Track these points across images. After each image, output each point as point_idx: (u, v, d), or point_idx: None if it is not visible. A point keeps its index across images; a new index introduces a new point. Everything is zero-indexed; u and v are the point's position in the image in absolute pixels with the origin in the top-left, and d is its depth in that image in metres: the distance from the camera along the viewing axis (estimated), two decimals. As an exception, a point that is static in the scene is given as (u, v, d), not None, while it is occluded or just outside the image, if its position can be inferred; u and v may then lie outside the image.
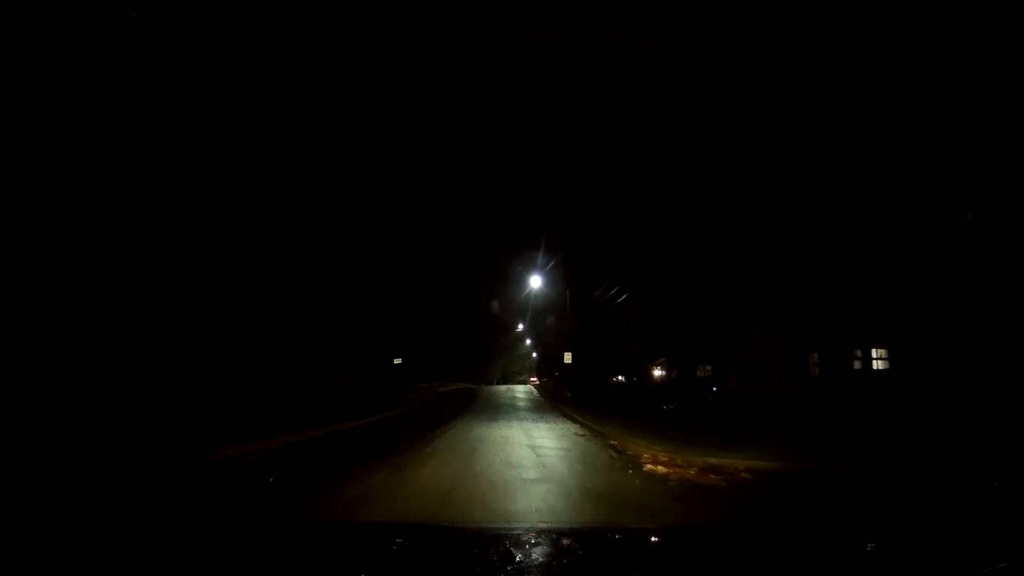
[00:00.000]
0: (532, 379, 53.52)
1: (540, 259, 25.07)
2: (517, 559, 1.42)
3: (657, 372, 34.75)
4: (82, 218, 10.96)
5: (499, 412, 17.33)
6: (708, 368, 28.67)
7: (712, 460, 6.87)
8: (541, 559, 1.55)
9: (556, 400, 22.86)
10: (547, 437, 10.50)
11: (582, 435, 11.10)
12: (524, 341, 58.34)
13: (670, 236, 23.03)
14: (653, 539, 2.04)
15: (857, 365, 17.00)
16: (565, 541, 1.80)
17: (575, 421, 14.00)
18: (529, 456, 7.95)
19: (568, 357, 24.10)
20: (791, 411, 14.57)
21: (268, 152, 16.18)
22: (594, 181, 28.87)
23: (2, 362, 8.79)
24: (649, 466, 6.75)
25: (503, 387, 42.76)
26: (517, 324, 50.53)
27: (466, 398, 25.61)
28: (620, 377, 36.35)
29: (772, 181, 17.81)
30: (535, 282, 25.70)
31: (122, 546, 1.62)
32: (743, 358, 21.75)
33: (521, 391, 34.77)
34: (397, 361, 32.60)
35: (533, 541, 1.73)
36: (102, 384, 10.69)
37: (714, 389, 24.79)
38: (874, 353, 16.78)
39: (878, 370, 16.43)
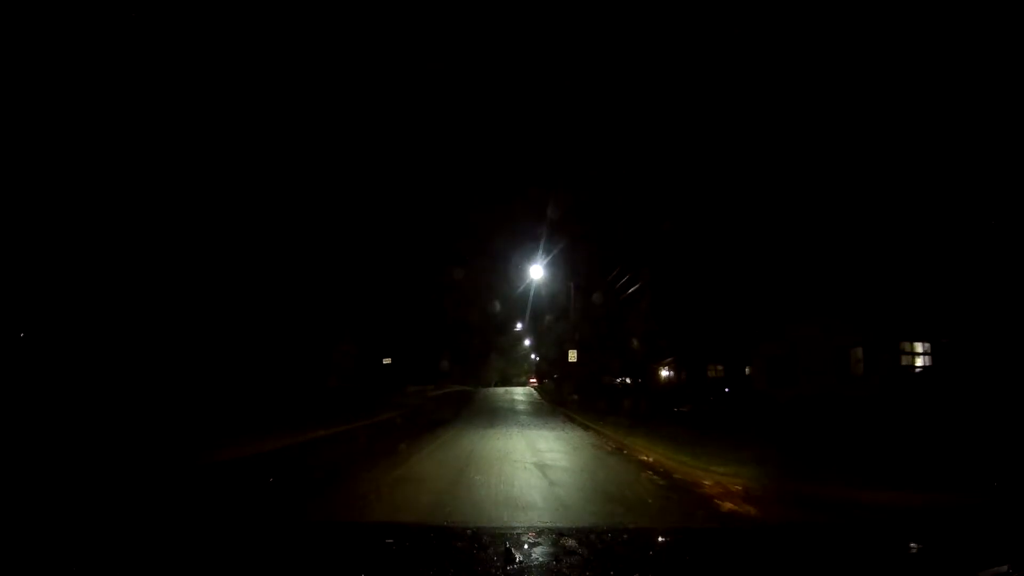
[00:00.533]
0: (532, 380, 51.26)
1: (540, 253, 23.10)
2: (517, 559, 1.37)
3: (664, 372, 32.91)
4: (91, 232, 11.56)
5: (496, 417, 15.10)
6: (720, 368, 27.09)
7: (822, 491, 4.57)
8: (541, 559, 1.47)
9: (559, 403, 21.25)
10: (557, 451, 8.23)
11: (600, 447, 8.90)
12: (523, 342, 56.35)
13: (683, 226, 21.14)
14: (655, 539, 1.91)
15: (907, 361, 14.75)
16: (565, 541, 1.64)
17: (587, 428, 11.89)
18: (538, 484, 5.67)
19: (573, 355, 21.91)
20: (834, 415, 12.46)
21: (257, 151, 16.07)
22: (598, 162, 27.08)
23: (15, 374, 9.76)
24: (728, 504, 4.38)
25: (501, 389, 40.59)
26: (515, 324, 48.38)
27: (461, 400, 23.86)
28: (626, 378, 34.54)
29: (804, 153, 15.70)
30: (536, 272, 23.53)
31: (127, 544, 1.59)
32: (771, 355, 19.45)
33: (520, 393, 32.69)
34: (386, 361, 30.49)
35: (533, 541, 1.67)
36: (96, 386, 11.13)
37: (726, 390, 23.00)
38: (925, 347, 14.56)
39: (936, 367, 14.20)
